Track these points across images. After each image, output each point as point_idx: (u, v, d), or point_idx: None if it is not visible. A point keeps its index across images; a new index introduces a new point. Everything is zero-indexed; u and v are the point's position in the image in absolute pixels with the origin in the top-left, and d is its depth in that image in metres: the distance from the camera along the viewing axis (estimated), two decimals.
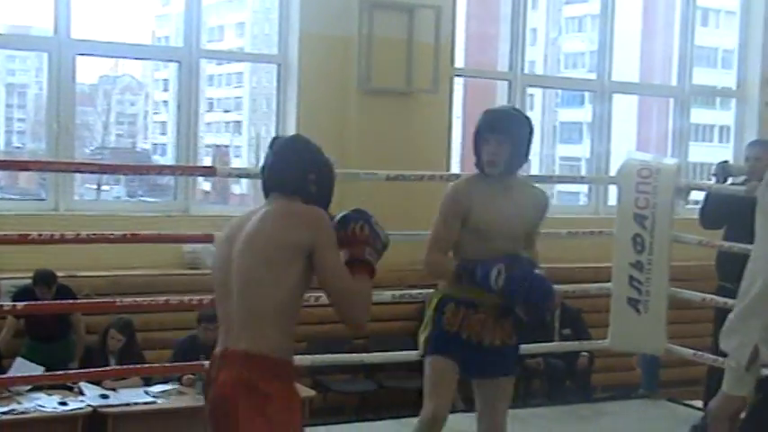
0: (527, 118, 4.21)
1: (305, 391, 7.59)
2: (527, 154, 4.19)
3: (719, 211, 6.41)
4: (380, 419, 6.11)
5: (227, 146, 11.13)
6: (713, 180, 6.55)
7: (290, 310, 3.09)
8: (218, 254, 3.24)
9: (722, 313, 5.86)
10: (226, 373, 3.00)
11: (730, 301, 5.43)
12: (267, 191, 3.31)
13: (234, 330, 3.05)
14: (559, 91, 12.41)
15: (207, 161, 9.94)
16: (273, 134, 8.84)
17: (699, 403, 6.63)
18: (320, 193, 3.31)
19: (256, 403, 2.94)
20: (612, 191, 8.84)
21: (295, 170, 3.25)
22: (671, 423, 5.91)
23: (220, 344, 3.11)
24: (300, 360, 6.93)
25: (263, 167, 3.33)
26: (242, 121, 10.91)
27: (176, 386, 7.12)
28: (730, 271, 5.97)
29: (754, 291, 2.55)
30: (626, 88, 10.62)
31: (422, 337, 4.24)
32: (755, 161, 6.20)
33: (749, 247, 2.80)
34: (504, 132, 4.06)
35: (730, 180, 6.40)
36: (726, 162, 6.58)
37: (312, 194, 3.27)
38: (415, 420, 5.78)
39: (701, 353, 6.35)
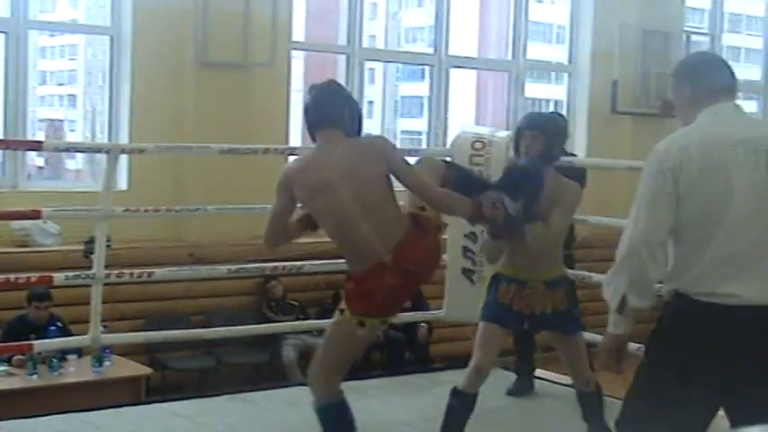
0: (561, 118, 4.93)
1: (141, 369, 7.49)
2: (560, 147, 4.83)
3: None
4: (219, 395, 6.05)
5: (61, 120, 10.80)
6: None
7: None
8: (318, 195, 4.04)
9: None
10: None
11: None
12: (313, 128, 4.10)
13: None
14: (400, 65, 12.47)
15: (40, 135, 9.62)
16: (108, 108, 8.64)
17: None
18: (353, 125, 4.09)
19: None
20: None
21: (335, 107, 4.05)
22: (500, 390, 6.02)
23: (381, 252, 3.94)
24: (136, 338, 6.84)
25: (306, 109, 4.09)
26: (77, 94, 10.61)
27: (6, 367, 6.91)
28: None
29: (621, 253, 3.22)
30: (462, 62, 10.76)
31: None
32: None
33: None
34: (537, 128, 4.71)
35: None
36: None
37: (348, 126, 4.07)
38: (253, 395, 5.80)
39: None
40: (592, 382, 4.86)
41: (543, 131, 4.71)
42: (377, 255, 3.96)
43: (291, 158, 9.15)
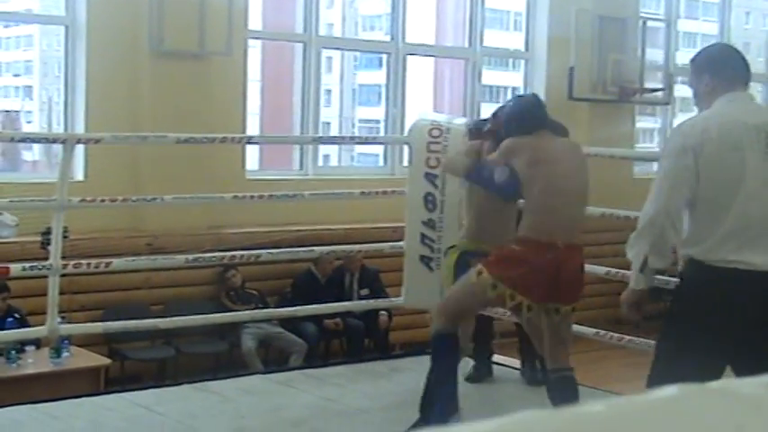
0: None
1: (100, 360, 7.47)
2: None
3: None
4: (178, 384, 6.05)
5: (17, 111, 10.71)
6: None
7: None
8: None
9: None
10: (575, 260, 4.49)
11: None
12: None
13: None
14: (357, 53, 12.48)
15: None
16: (64, 98, 8.59)
17: (495, 357, 6.83)
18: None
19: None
20: (407, 152, 8.98)
21: None
22: (459, 375, 6.06)
23: (562, 237, 4.40)
24: (94, 328, 6.81)
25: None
26: (32, 85, 10.52)
27: None
28: None
29: (644, 221, 3.64)
30: (419, 50, 10.78)
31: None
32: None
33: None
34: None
35: None
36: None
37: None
38: (212, 383, 5.80)
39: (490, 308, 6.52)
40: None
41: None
42: (560, 237, 4.39)
43: (248, 147, 9.25)
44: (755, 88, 13.62)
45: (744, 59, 3.83)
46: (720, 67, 3.75)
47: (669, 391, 0.91)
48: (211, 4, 8.52)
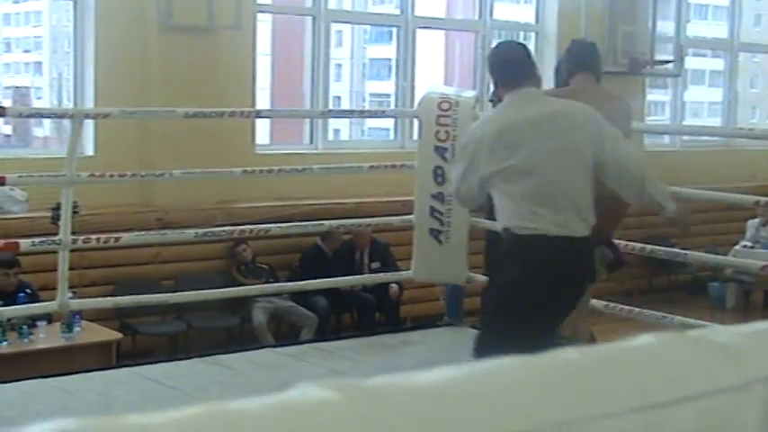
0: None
1: (112, 335, 7.49)
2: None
3: None
4: (189, 358, 6.07)
5: (27, 87, 10.72)
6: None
7: None
8: None
9: (493, 234, 6.07)
10: None
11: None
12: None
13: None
14: (368, 27, 12.44)
15: (7, 103, 9.55)
16: (73, 74, 8.58)
17: None
18: None
19: None
20: (417, 125, 8.96)
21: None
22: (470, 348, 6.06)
23: None
24: (104, 303, 6.83)
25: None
26: (42, 61, 10.52)
27: None
28: None
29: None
30: (429, 23, 10.73)
31: None
32: None
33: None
34: None
35: None
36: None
37: None
38: (223, 357, 5.82)
39: None
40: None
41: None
42: None
43: (258, 122, 9.26)
44: (765, 58, 13.56)
45: (525, 56, 4.26)
46: (501, 68, 4.21)
47: (645, 339, 0.91)
48: None
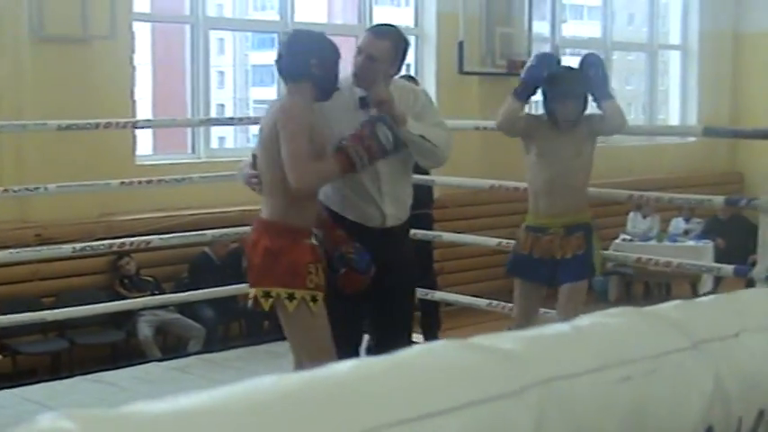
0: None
1: None
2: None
3: None
4: (72, 377, 5.94)
5: None
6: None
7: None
8: None
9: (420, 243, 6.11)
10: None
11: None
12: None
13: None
14: (249, 34, 12.37)
15: None
16: None
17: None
18: (325, 75, 4.00)
19: None
20: None
21: (299, 59, 3.98)
22: None
23: None
24: None
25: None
26: None
27: None
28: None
29: None
30: (310, 29, 10.67)
31: None
32: None
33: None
34: None
35: None
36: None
37: (317, 77, 3.98)
38: (108, 374, 5.72)
39: None
40: None
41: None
42: None
43: (141, 132, 9.11)
44: (639, 56, 13.90)
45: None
46: None
47: (424, 347, 0.92)
48: None
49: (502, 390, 0.86)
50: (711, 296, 1.41)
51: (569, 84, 5.03)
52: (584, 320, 1.19)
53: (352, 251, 4.21)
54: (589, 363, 1.02)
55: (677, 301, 1.47)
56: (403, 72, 4.88)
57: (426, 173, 6.07)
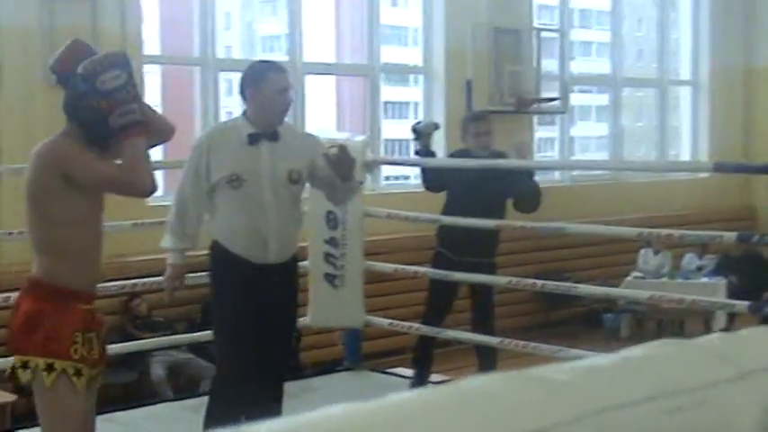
0: None
1: (5, 397, 7.30)
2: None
3: (440, 176, 6.64)
4: None
5: None
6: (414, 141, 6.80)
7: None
8: None
9: (435, 283, 6.11)
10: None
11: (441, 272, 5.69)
12: None
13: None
14: None
15: None
16: None
17: (401, 370, 6.87)
18: (95, 118, 3.67)
19: None
20: None
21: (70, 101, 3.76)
22: (372, 391, 6.08)
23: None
24: None
25: None
26: None
27: None
28: (446, 238, 6.27)
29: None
30: (318, 69, 10.77)
31: None
32: (486, 135, 6.57)
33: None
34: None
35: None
36: (418, 123, 6.90)
37: (87, 120, 3.70)
38: (120, 414, 5.71)
39: (397, 322, 6.56)
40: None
41: None
42: None
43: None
44: (649, 92, 13.93)
45: None
46: None
47: (482, 379, 0.94)
48: (104, 30, 8.41)
49: (557, 419, 0.89)
50: (754, 328, 1.45)
51: None
52: (634, 351, 1.22)
53: None
54: (641, 393, 1.06)
55: (720, 333, 1.52)
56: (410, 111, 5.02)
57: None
